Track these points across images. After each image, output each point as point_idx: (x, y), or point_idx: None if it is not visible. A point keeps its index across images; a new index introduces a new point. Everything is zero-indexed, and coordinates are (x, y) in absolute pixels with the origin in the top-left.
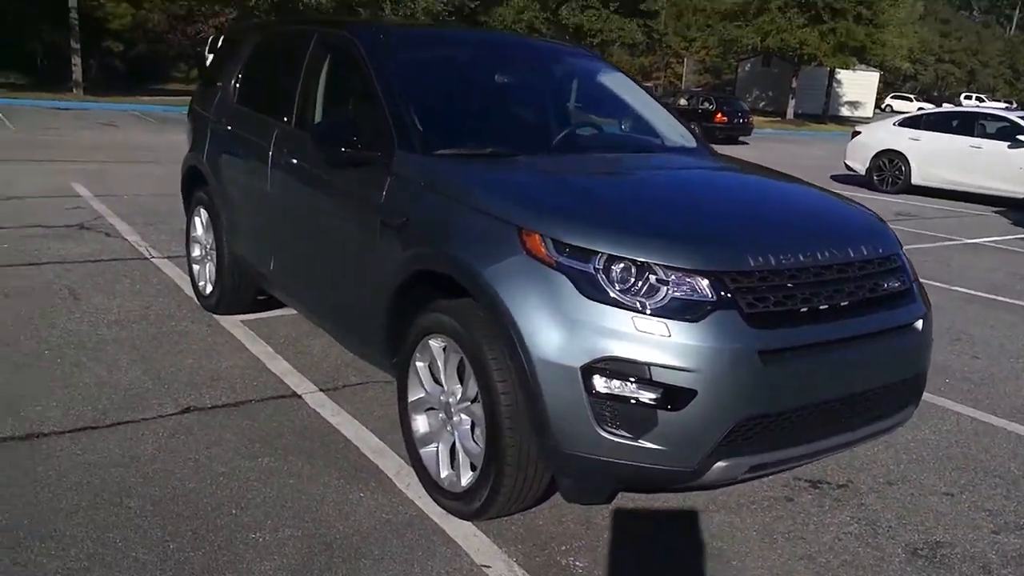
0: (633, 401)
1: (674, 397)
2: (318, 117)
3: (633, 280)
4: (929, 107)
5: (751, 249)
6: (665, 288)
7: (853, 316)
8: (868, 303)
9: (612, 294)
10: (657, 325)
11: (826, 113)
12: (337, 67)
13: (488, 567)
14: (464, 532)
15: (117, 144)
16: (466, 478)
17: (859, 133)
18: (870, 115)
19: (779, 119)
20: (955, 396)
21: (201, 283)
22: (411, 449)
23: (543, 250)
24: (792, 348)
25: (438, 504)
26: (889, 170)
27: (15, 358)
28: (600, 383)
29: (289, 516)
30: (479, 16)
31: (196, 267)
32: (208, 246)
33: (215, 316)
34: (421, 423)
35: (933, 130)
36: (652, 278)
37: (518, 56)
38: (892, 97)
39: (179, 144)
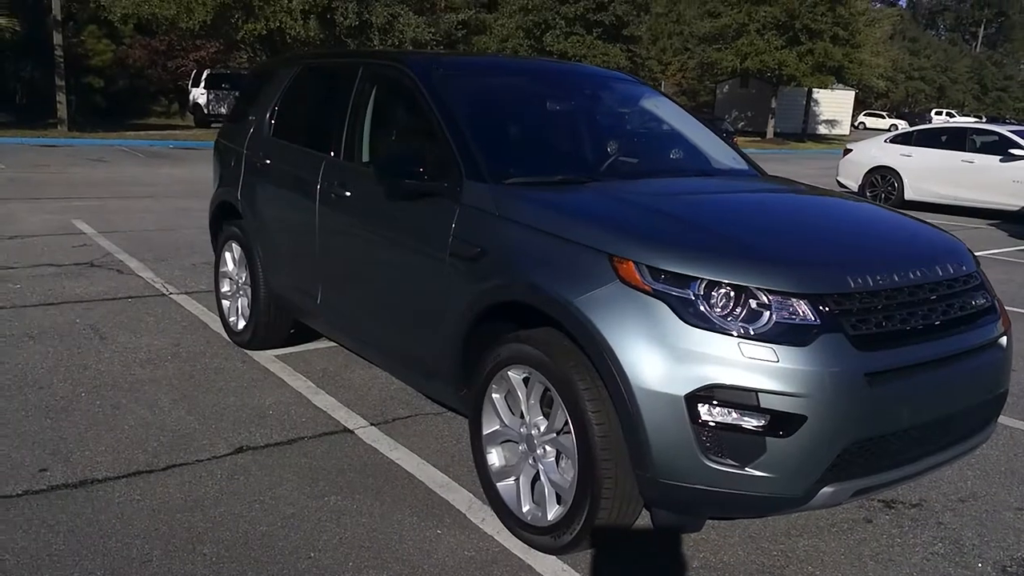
0: (741, 429)
1: (784, 423)
2: (368, 149)
3: (734, 305)
4: (903, 123)
5: (850, 270)
6: (768, 312)
7: (947, 335)
8: (959, 321)
9: (714, 320)
10: (764, 350)
11: (805, 132)
12: (389, 99)
13: None
14: (552, 567)
15: (111, 180)
16: (552, 512)
17: (851, 151)
18: (847, 132)
19: (759, 139)
20: (1004, 410)
21: (232, 319)
22: (486, 483)
23: (638, 277)
24: (895, 369)
25: (521, 539)
26: (882, 186)
27: (51, 402)
28: (705, 411)
29: (369, 556)
30: (459, 45)
31: (226, 303)
32: (240, 281)
33: (248, 352)
34: (497, 456)
35: (924, 146)
36: (753, 303)
37: (570, 82)
38: (865, 114)
39: (173, 178)
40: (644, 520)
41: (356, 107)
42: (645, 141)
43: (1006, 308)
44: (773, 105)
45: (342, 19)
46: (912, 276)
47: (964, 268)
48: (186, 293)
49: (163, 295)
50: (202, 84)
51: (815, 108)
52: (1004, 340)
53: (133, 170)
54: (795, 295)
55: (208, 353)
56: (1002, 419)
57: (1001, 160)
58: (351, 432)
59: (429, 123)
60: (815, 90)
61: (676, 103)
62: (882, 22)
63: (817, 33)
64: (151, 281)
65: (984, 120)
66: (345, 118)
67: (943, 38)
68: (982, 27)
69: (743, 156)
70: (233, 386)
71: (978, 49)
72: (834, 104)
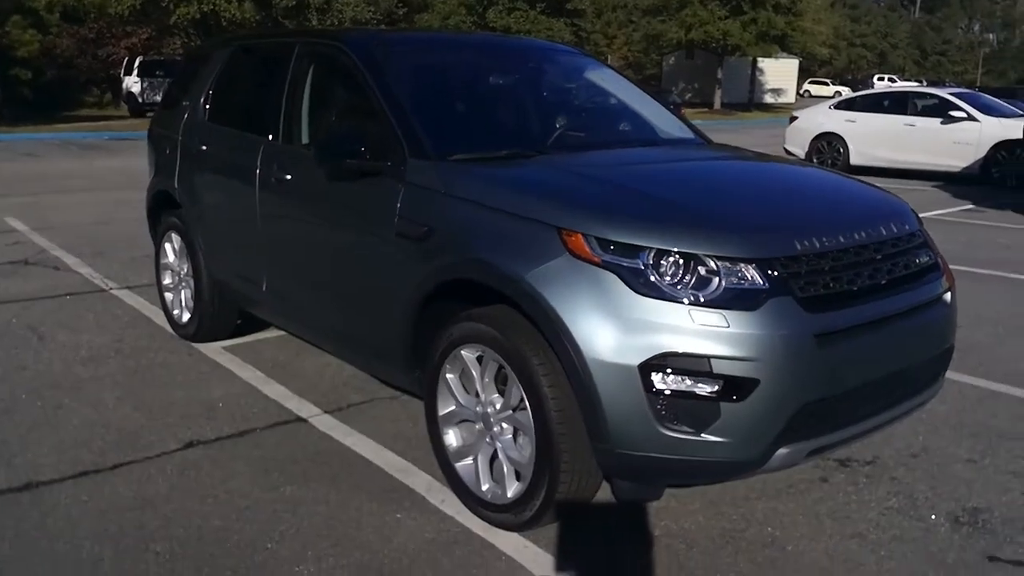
0: (695, 395)
1: (737, 388)
2: (307, 131)
3: (684, 273)
4: (846, 90)
5: (796, 233)
6: (717, 278)
7: (893, 293)
8: (905, 280)
9: (664, 288)
10: (714, 317)
11: (751, 101)
12: (327, 78)
13: None
14: (514, 544)
15: (44, 174)
16: (512, 489)
17: (796, 118)
18: (792, 100)
19: (707, 110)
20: (951, 365)
21: (176, 311)
22: (444, 464)
23: (587, 249)
24: (844, 329)
25: (482, 518)
26: (828, 152)
27: None
28: (659, 380)
29: (329, 545)
30: (401, 23)
31: (169, 295)
32: (182, 272)
33: (194, 345)
34: (454, 436)
35: (868, 111)
36: (702, 269)
37: (514, 56)
38: (809, 82)
39: (109, 169)
40: (605, 492)
41: (293, 88)
42: (591, 113)
43: (949, 266)
44: (719, 76)
45: (278, 0)
46: (857, 237)
47: (907, 227)
48: (127, 288)
49: (103, 291)
50: (135, 72)
51: (760, 77)
52: (948, 296)
53: (66, 163)
54: (743, 260)
55: (152, 348)
56: (949, 374)
57: (942, 123)
58: (304, 421)
59: (369, 101)
60: (760, 60)
61: (621, 74)
62: None
63: (759, 2)
64: (89, 277)
65: (924, 84)
66: (282, 100)
67: (882, 4)
68: None
69: (689, 125)
70: (180, 380)
71: (916, 14)
72: (779, 73)
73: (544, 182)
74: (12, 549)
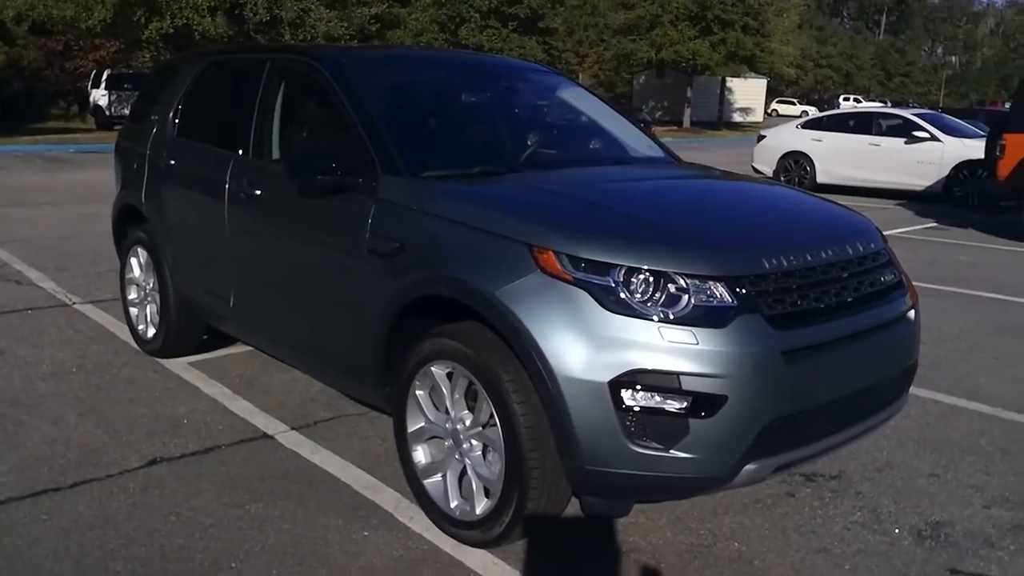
0: (664, 412)
1: (705, 404)
2: (278, 146)
3: (654, 290)
4: (813, 110)
5: (764, 252)
6: (686, 296)
7: (859, 311)
8: (870, 297)
9: (634, 306)
10: (683, 334)
11: (721, 120)
12: (298, 94)
13: None
14: (483, 561)
15: (7, 187)
16: (481, 505)
17: (764, 137)
18: (760, 119)
19: (676, 128)
20: (915, 381)
21: (141, 327)
22: (413, 481)
23: (558, 266)
24: (811, 347)
25: (450, 535)
26: (795, 171)
27: None
28: (629, 396)
29: (294, 563)
30: (373, 39)
31: (134, 310)
32: (148, 287)
33: (159, 360)
34: (423, 453)
35: (834, 130)
36: (671, 287)
37: (485, 74)
38: (777, 102)
39: (75, 183)
40: (573, 508)
41: (264, 103)
42: (562, 131)
43: (913, 283)
44: (689, 95)
45: (251, 15)
46: (824, 255)
47: (873, 246)
48: (91, 302)
49: (66, 305)
50: (102, 85)
51: (729, 96)
52: (912, 314)
53: (31, 176)
54: (712, 278)
55: (116, 363)
56: (913, 390)
57: (906, 142)
58: (271, 437)
59: (341, 117)
60: (729, 79)
61: (592, 93)
62: (790, 12)
63: (728, 23)
64: (53, 291)
65: (889, 105)
66: (253, 115)
67: (848, 26)
68: (884, 15)
69: (659, 144)
70: (145, 396)
71: (881, 36)
72: (747, 92)
73: (516, 199)
74: None
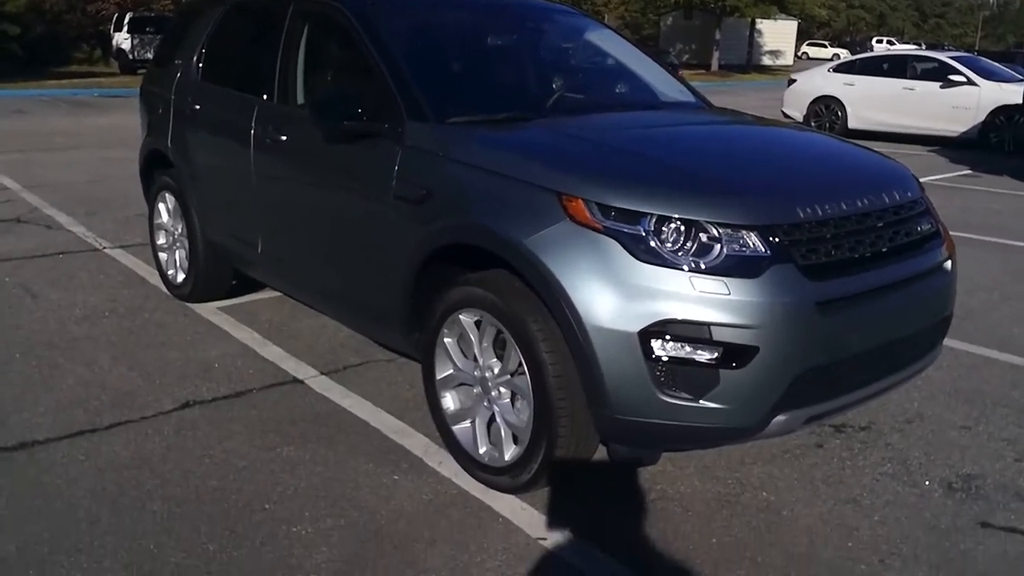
0: (694, 362)
1: (736, 355)
2: (303, 91)
3: (685, 239)
4: (844, 53)
5: (798, 201)
6: (718, 245)
7: (894, 261)
8: (906, 247)
9: (666, 255)
10: (715, 284)
11: (749, 63)
12: (323, 37)
13: (543, 539)
14: (511, 506)
15: (33, 132)
16: (510, 452)
17: (795, 81)
18: (790, 63)
19: (704, 71)
20: (948, 332)
21: (171, 272)
22: (442, 427)
23: (588, 215)
24: (845, 297)
25: (479, 480)
26: (826, 115)
27: None
28: (659, 346)
29: (326, 505)
30: None
31: (163, 255)
32: (177, 232)
33: (189, 305)
34: (452, 400)
35: (867, 74)
36: (704, 236)
37: (511, 16)
38: (807, 44)
39: (101, 128)
40: (601, 455)
41: (288, 47)
42: (591, 75)
43: (949, 233)
44: (717, 37)
45: None
46: (860, 204)
47: (910, 194)
48: (120, 247)
49: (96, 250)
50: (124, 28)
51: (759, 39)
52: (948, 264)
53: (57, 121)
54: (745, 227)
55: (147, 308)
56: (946, 341)
57: (941, 87)
58: (301, 382)
59: (366, 62)
60: (758, 21)
61: (621, 35)
62: None
63: None
64: (83, 236)
65: (923, 47)
66: (277, 59)
67: None
68: None
69: (689, 88)
70: (176, 340)
71: None
72: (777, 35)
73: (544, 146)
74: (8, 508)
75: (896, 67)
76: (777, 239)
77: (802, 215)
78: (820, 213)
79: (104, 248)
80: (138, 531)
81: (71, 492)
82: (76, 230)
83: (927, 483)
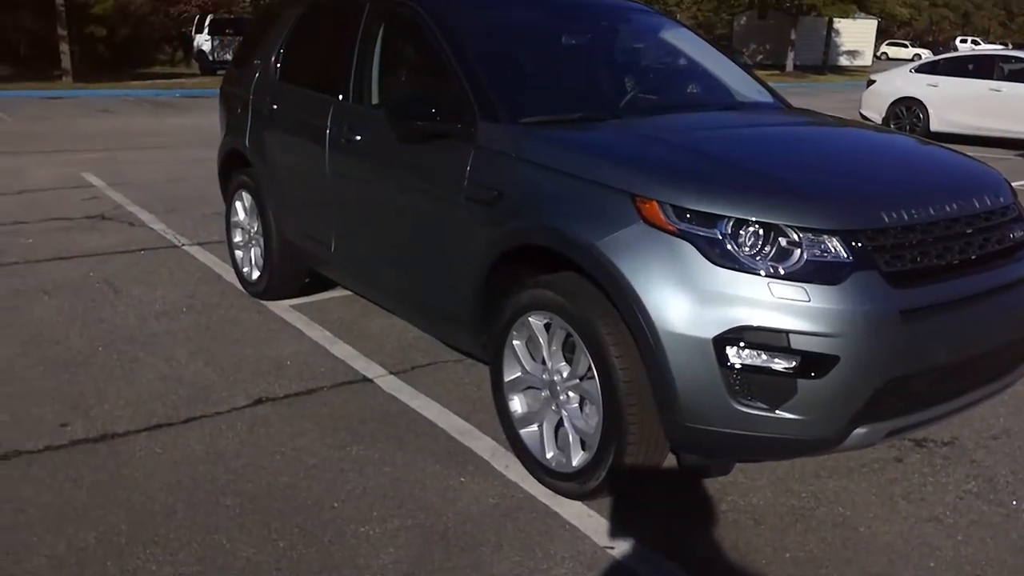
0: (771, 371)
1: (815, 364)
2: (377, 91)
3: (763, 244)
4: (926, 53)
5: (883, 205)
6: (798, 250)
7: (984, 269)
8: (996, 255)
9: (743, 260)
10: (794, 290)
11: (826, 64)
12: (398, 37)
13: (611, 548)
14: (578, 513)
15: (118, 131)
16: (577, 458)
17: (874, 82)
18: (869, 63)
19: (779, 72)
20: None
21: (246, 269)
22: (509, 430)
23: (662, 217)
24: (931, 306)
25: (545, 485)
26: (907, 118)
27: (68, 356)
28: (734, 354)
29: (394, 506)
30: None
31: (239, 253)
32: (253, 231)
33: (263, 302)
34: (519, 403)
35: (951, 75)
36: (783, 241)
37: (584, 15)
38: (887, 44)
39: (182, 128)
40: (671, 463)
41: (364, 47)
42: (665, 75)
43: None
44: (792, 37)
45: None
46: (948, 209)
47: (1002, 200)
48: (198, 244)
49: (176, 247)
50: (205, 30)
51: (836, 39)
52: None
53: (140, 120)
54: (827, 232)
55: (223, 304)
56: None
57: None
58: (370, 381)
59: (440, 62)
60: (836, 20)
61: (696, 33)
62: None
63: None
64: (163, 233)
65: (1011, 47)
66: (352, 59)
67: None
68: None
69: (767, 88)
70: (250, 337)
71: None
72: (855, 34)
73: (617, 147)
74: (90, 497)
75: (982, 67)
76: (860, 244)
77: (887, 220)
78: (906, 218)
79: (183, 245)
80: (211, 525)
81: (148, 484)
82: (157, 227)
83: (1014, 503)
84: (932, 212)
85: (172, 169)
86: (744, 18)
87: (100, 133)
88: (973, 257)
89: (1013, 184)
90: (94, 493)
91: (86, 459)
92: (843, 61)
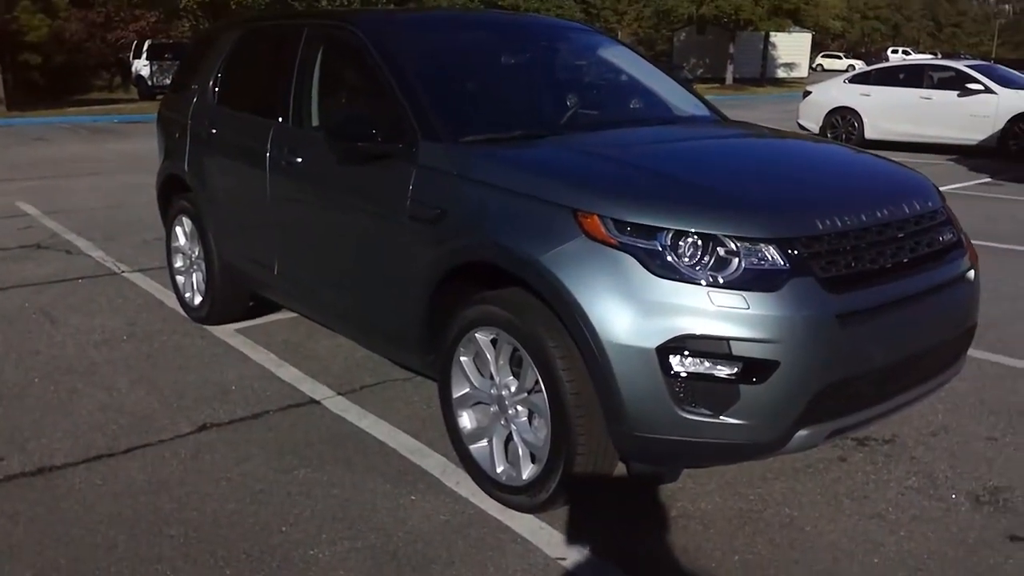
0: (714, 378)
1: (757, 370)
2: (318, 113)
3: (702, 254)
4: (859, 64)
5: (817, 213)
6: (736, 259)
7: (916, 272)
8: (928, 258)
9: (683, 270)
10: (734, 298)
11: (764, 76)
12: (337, 60)
13: (563, 559)
14: (529, 526)
15: (54, 158)
16: (527, 471)
17: (810, 93)
18: (805, 75)
19: (719, 85)
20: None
21: (187, 294)
22: (459, 446)
23: (603, 231)
24: (867, 310)
25: (496, 500)
26: (842, 127)
27: (3, 390)
28: (677, 362)
29: (343, 528)
30: (410, 3)
31: (180, 278)
32: (194, 255)
33: (206, 327)
34: (468, 419)
35: (883, 84)
36: (721, 250)
37: (524, 35)
38: (822, 56)
39: (119, 153)
40: (620, 473)
41: (303, 70)
42: (604, 91)
43: (971, 242)
44: (731, 51)
45: None
46: (879, 215)
47: (931, 204)
48: (139, 271)
49: (115, 274)
50: (144, 55)
51: (773, 52)
52: (971, 274)
53: (76, 147)
54: (763, 240)
55: (166, 331)
56: (970, 352)
57: (959, 95)
58: (318, 403)
59: (380, 83)
60: (772, 34)
61: (635, 51)
62: None
63: None
64: (102, 260)
65: (940, 56)
66: (292, 82)
67: None
68: None
69: (704, 102)
70: (194, 363)
71: None
72: (791, 47)
73: (558, 163)
74: (26, 533)
75: (912, 77)
76: (796, 252)
77: (821, 227)
78: (839, 225)
79: (123, 272)
80: (154, 556)
81: (89, 517)
82: (95, 255)
83: (954, 497)
84: (864, 218)
85: (110, 195)
86: (684, 34)
87: (35, 161)
88: (905, 260)
89: (944, 188)
90: (31, 529)
91: (22, 493)
92: (780, 73)
